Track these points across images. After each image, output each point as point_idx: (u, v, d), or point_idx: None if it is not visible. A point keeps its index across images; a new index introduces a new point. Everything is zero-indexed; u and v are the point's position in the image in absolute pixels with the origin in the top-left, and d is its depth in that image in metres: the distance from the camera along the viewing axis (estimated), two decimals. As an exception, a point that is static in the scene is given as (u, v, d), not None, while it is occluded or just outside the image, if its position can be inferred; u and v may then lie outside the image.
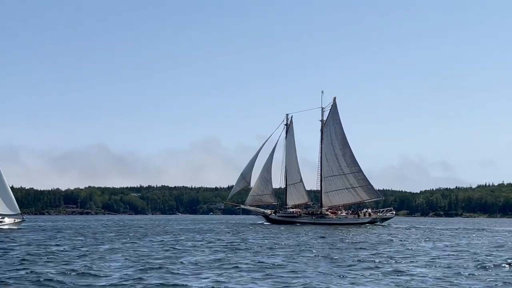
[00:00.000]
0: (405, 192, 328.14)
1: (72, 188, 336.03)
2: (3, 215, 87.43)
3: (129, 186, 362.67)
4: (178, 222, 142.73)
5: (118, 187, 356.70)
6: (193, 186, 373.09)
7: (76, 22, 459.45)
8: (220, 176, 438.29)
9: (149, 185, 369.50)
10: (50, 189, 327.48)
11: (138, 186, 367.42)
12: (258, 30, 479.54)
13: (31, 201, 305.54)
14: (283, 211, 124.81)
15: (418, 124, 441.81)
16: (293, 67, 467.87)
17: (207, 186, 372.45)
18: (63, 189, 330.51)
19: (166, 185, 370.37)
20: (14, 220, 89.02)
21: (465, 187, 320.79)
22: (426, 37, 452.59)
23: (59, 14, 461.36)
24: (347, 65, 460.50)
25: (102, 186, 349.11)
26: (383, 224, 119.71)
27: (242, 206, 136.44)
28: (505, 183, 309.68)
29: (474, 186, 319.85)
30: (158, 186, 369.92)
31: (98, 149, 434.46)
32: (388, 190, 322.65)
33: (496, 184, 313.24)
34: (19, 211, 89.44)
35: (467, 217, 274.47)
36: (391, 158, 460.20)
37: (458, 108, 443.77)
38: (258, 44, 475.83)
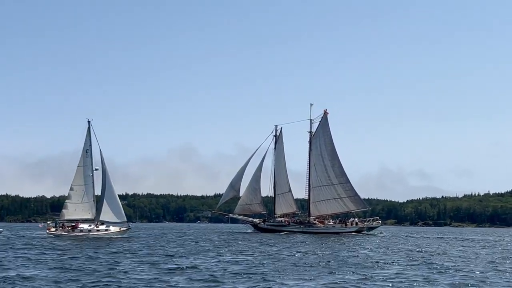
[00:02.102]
0: (391, 201, 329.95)
1: (57, 195, 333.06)
2: (109, 223, 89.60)
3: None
4: (213, 231, 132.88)
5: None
6: (178, 194, 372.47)
7: (76, 22, 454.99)
8: (199, 184, 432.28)
9: (134, 193, 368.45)
10: (35, 196, 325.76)
11: (124, 194, 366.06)
12: (251, 31, 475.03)
13: (17, 209, 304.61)
14: (272, 220, 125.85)
15: (396, 132, 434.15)
16: (283, 73, 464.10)
17: (190, 194, 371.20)
18: (48, 196, 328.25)
19: (151, 192, 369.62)
20: (120, 229, 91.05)
21: (451, 196, 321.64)
22: (425, 38, 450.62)
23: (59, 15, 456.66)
24: (332, 75, 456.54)
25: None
26: (369, 233, 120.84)
27: (231, 215, 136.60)
28: (491, 193, 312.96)
29: (455, 195, 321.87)
30: (143, 194, 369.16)
31: (71, 155, 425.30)
32: (374, 199, 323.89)
33: (482, 193, 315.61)
34: (125, 220, 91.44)
35: (456, 226, 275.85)
36: (370, 166, 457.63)
37: (435, 117, 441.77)
38: (249, 47, 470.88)
